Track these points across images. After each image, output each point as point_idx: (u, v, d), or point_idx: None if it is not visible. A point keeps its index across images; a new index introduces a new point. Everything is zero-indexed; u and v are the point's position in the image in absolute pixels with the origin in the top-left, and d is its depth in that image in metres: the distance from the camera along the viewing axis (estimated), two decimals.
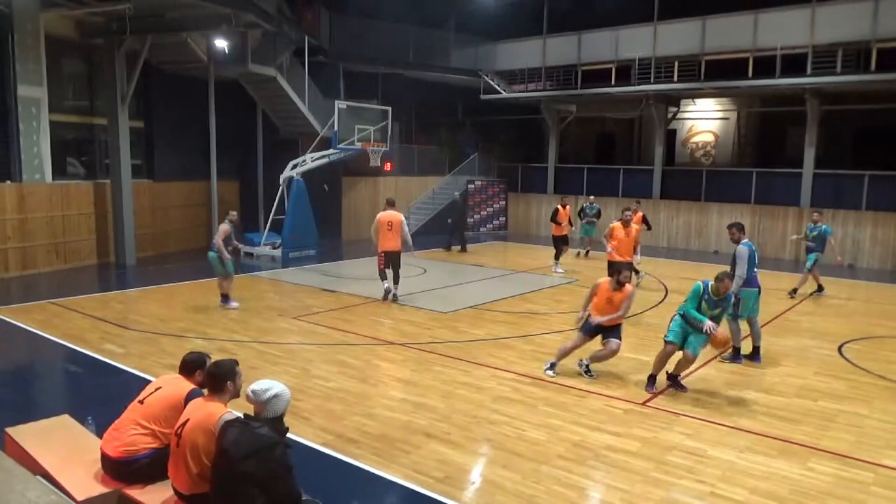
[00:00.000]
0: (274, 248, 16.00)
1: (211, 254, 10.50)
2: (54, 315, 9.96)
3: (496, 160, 24.84)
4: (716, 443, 5.78)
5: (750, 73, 17.67)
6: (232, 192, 19.34)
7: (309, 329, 9.41)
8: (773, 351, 8.64)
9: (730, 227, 8.68)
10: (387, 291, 11.27)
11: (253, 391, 3.69)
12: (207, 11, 13.27)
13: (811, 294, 12.48)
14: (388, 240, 11.05)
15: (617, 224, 11.34)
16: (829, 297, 12.60)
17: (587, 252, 17.60)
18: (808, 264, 12.33)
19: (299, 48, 17.79)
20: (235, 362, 4.13)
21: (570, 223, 15.82)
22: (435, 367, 7.76)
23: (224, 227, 10.39)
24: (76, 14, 13.47)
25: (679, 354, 7.03)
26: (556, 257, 14.96)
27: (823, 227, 12.49)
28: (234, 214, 10.76)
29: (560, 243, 15.09)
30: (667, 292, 12.61)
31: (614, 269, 9.65)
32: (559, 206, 15.42)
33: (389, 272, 11.21)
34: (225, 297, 10.72)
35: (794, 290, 12.44)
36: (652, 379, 7.16)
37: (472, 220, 22.56)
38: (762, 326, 9.41)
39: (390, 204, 11.59)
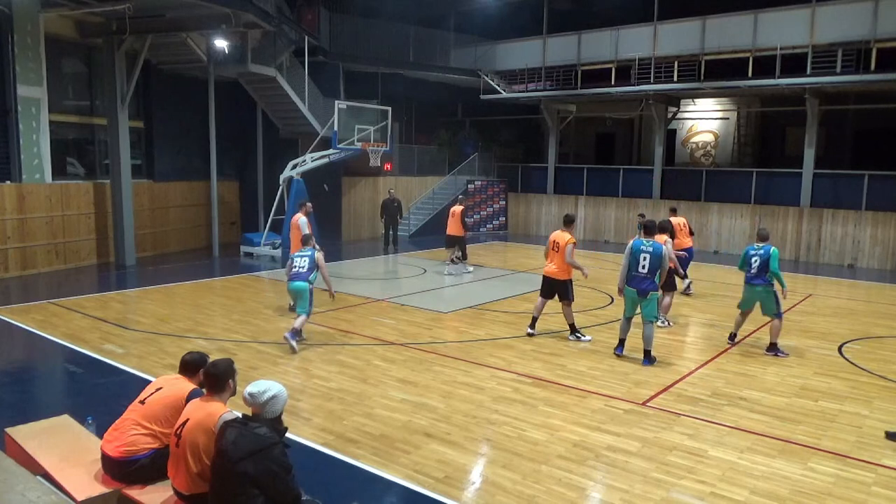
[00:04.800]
0: (274, 248, 16.00)
1: (302, 284, 8.31)
2: (54, 315, 9.95)
3: (496, 160, 24.84)
4: (716, 443, 5.78)
5: (750, 73, 17.66)
6: (232, 192, 19.35)
7: (309, 329, 9.40)
8: None
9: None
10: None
11: (250, 394, 3.68)
12: (207, 11, 13.25)
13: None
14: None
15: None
16: (829, 298, 12.62)
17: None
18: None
19: (299, 48, 17.78)
20: (231, 361, 4.13)
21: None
22: (435, 367, 7.76)
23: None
24: (76, 14, 13.46)
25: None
26: (464, 256, 14.73)
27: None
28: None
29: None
30: None
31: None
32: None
33: None
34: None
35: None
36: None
37: (471, 220, 22.46)
38: (762, 327, 9.43)
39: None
